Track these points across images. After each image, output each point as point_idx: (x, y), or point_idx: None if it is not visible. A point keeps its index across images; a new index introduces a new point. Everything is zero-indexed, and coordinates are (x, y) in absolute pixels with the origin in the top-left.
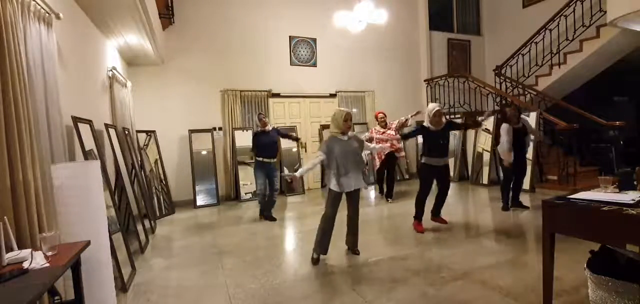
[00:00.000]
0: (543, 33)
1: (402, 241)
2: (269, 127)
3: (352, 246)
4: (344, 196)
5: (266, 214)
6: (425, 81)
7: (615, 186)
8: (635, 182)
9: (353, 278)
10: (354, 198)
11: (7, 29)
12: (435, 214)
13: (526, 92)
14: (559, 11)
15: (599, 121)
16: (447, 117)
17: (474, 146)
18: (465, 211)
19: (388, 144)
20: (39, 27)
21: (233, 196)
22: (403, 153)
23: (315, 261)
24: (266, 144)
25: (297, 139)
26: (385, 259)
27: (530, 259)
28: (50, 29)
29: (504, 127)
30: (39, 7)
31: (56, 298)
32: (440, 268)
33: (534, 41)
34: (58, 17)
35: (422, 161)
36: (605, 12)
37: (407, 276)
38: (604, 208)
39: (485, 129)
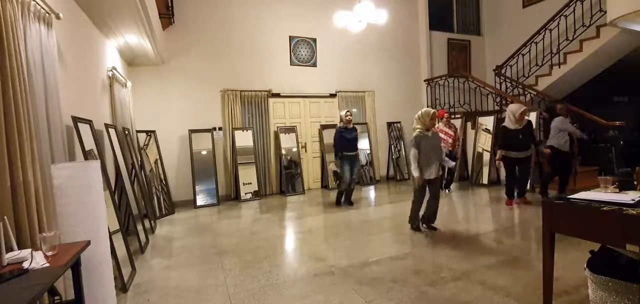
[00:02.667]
0: (543, 33)
1: (402, 241)
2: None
3: (428, 222)
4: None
5: (345, 201)
6: (425, 81)
7: (615, 186)
8: (635, 182)
9: (353, 278)
10: (434, 185)
11: (7, 29)
12: (521, 194)
13: (526, 92)
14: (559, 11)
15: (599, 120)
16: (527, 118)
17: (474, 146)
18: (466, 211)
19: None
20: (39, 27)
21: (233, 196)
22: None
23: (416, 228)
24: (350, 139)
25: None
26: (385, 259)
27: (530, 259)
28: (50, 29)
29: (562, 120)
30: (39, 7)
31: (56, 298)
32: (440, 268)
33: (534, 41)
34: (58, 17)
35: (504, 154)
36: (605, 12)
37: (407, 276)
38: (604, 208)
39: (485, 129)
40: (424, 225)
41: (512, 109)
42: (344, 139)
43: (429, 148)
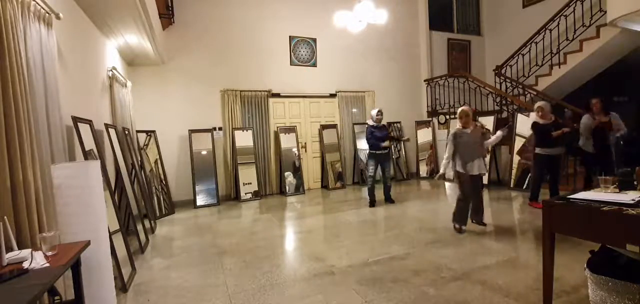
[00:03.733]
0: (543, 33)
1: (402, 241)
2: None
3: (476, 217)
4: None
5: (386, 199)
6: (425, 81)
7: (615, 186)
8: (635, 182)
9: (353, 278)
10: (476, 182)
11: (7, 29)
12: (553, 193)
13: (526, 92)
14: (559, 11)
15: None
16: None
17: None
18: None
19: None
20: (39, 27)
21: (233, 196)
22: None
23: (458, 230)
24: (380, 137)
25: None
26: (385, 259)
27: (530, 259)
28: (50, 29)
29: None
30: (39, 7)
31: (56, 298)
32: (440, 268)
33: (534, 41)
34: (58, 17)
35: (536, 151)
36: (605, 12)
37: (407, 276)
38: (604, 208)
39: (486, 129)
40: (473, 221)
41: (540, 104)
42: (375, 137)
43: (465, 145)
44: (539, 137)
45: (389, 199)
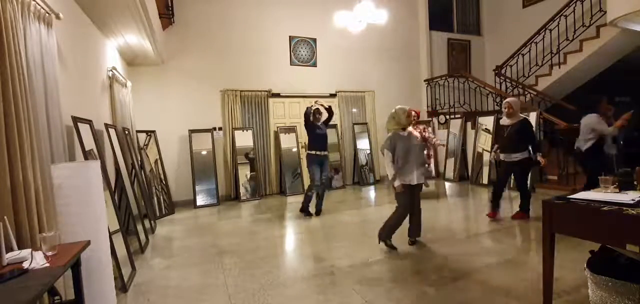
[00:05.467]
0: (543, 33)
1: (402, 241)
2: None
3: (412, 235)
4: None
5: (316, 209)
6: (425, 80)
7: (615, 186)
8: (635, 182)
9: (353, 278)
10: (414, 193)
11: (7, 29)
12: (522, 207)
13: (526, 92)
14: (559, 11)
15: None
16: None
17: (474, 146)
18: (466, 211)
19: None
20: (39, 27)
21: (233, 196)
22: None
23: (389, 245)
24: (321, 136)
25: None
26: (385, 259)
27: (530, 259)
28: (50, 29)
29: (599, 119)
30: (39, 7)
31: (56, 298)
32: (440, 268)
33: (534, 41)
34: (58, 17)
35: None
36: (605, 12)
37: (407, 276)
38: (604, 208)
39: (485, 129)
40: (409, 240)
41: (508, 100)
42: (314, 134)
43: (405, 150)
44: (500, 140)
45: (317, 210)
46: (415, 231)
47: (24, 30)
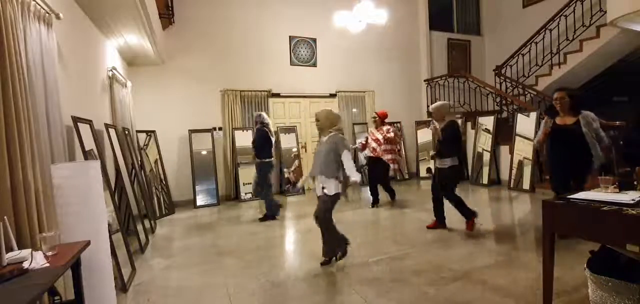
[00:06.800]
0: (543, 33)
1: (402, 241)
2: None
3: (324, 261)
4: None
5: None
6: (425, 81)
7: (615, 186)
8: (635, 182)
9: (353, 278)
10: (318, 204)
11: (7, 29)
12: (467, 217)
13: (526, 92)
14: (559, 11)
15: (599, 120)
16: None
17: (474, 146)
18: None
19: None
20: (39, 27)
21: (233, 196)
22: (389, 157)
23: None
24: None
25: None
26: (385, 259)
27: (530, 259)
28: (50, 29)
29: (594, 117)
30: (39, 7)
31: (56, 298)
32: (440, 268)
33: (534, 41)
34: (58, 17)
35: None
36: (605, 12)
37: (407, 276)
38: (604, 208)
39: (485, 129)
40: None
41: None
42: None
43: (315, 156)
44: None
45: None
46: (323, 249)
47: (24, 31)
